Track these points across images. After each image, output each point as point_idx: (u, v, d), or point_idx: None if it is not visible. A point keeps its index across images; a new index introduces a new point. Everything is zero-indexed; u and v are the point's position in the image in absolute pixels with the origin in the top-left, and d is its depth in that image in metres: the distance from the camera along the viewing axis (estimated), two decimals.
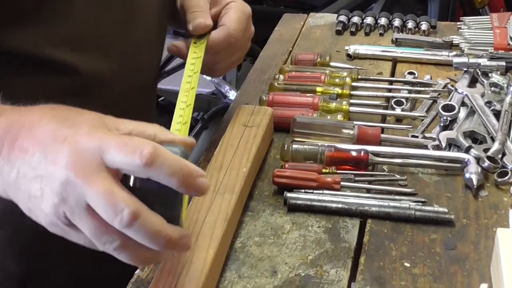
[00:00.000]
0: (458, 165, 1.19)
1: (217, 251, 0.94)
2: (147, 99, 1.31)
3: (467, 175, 1.16)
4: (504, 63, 1.45)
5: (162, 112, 2.45)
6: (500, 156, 1.20)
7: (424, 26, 1.75)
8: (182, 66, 3.17)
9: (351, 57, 1.63)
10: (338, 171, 1.18)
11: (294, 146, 1.21)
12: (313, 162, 1.19)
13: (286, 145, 1.21)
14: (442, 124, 1.32)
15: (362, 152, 1.19)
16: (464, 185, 1.17)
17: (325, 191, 1.13)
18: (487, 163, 1.18)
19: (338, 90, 1.41)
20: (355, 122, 1.29)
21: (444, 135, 1.26)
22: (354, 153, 1.20)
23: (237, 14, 1.21)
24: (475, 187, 1.14)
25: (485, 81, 1.42)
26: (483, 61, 1.46)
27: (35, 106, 0.85)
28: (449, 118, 1.31)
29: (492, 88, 1.39)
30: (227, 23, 1.20)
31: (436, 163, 1.21)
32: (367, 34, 1.76)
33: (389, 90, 1.47)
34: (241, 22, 1.21)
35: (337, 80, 1.45)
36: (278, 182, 1.15)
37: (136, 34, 1.19)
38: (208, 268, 0.91)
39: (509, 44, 1.61)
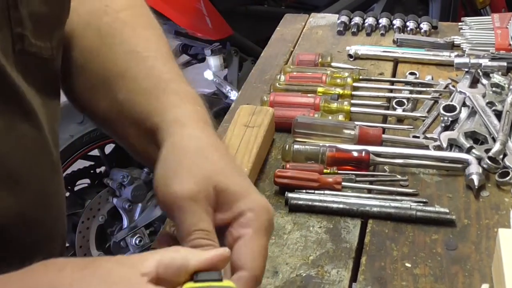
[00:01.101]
0: (459, 165, 1.19)
1: None
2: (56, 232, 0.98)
3: (468, 176, 1.16)
4: (505, 64, 1.45)
5: None
6: (501, 156, 1.20)
7: (425, 26, 1.75)
8: (185, 65, 3.17)
9: (352, 57, 1.62)
10: (339, 172, 1.18)
11: (295, 146, 1.21)
12: (314, 162, 1.19)
13: (287, 145, 1.21)
14: (443, 125, 1.32)
15: (364, 152, 1.19)
16: (465, 186, 1.17)
17: (326, 192, 1.13)
18: (488, 163, 1.18)
19: (339, 90, 1.41)
20: (356, 123, 1.29)
21: (445, 136, 1.26)
22: (355, 154, 1.20)
23: (260, 243, 0.79)
24: (476, 187, 1.14)
25: (486, 82, 1.42)
26: (485, 62, 1.46)
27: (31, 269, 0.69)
28: (450, 119, 1.31)
29: (493, 89, 1.38)
30: (248, 264, 0.77)
31: (437, 164, 1.21)
32: (368, 34, 1.76)
33: (391, 91, 1.47)
34: (265, 253, 0.80)
35: (338, 80, 1.45)
36: (280, 183, 1.15)
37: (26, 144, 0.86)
38: None
39: (510, 45, 1.61)
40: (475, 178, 1.14)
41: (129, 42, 0.97)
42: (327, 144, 1.22)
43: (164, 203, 0.80)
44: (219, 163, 0.82)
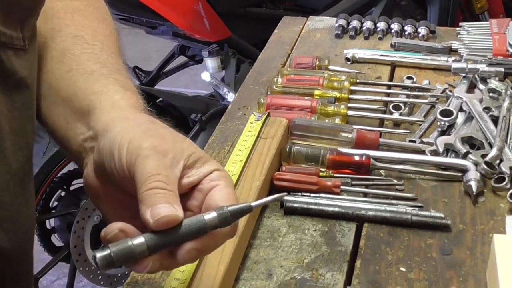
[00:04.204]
0: (459, 174, 1.19)
1: (228, 267, 0.92)
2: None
3: (466, 182, 1.15)
4: (502, 69, 1.45)
5: (160, 113, 2.43)
6: (497, 162, 1.20)
7: (423, 31, 1.75)
8: (180, 67, 3.17)
9: (349, 60, 1.62)
10: (335, 175, 1.18)
11: (296, 147, 1.20)
12: (314, 164, 1.19)
13: (288, 147, 1.20)
14: (440, 129, 1.32)
15: (364, 157, 1.19)
16: (461, 191, 1.17)
17: (322, 195, 1.13)
18: (485, 168, 1.18)
19: (336, 93, 1.41)
20: (353, 126, 1.28)
21: (442, 140, 1.26)
22: (356, 158, 1.19)
23: (232, 191, 0.80)
24: (474, 193, 1.14)
25: (484, 87, 1.42)
26: (482, 67, 1.46)
27: None
28: (447, 124, 1.31)
29: (490, 94, 1.39)
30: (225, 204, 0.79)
31: (437, 172, 1.20)
32: (366, 38, 1.76)
33: (388, 95, 1.47)
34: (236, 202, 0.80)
35: (335, 83, 1.45)
36: (279, 185, 1.15)
37: None
38: (218, 286, 0.89)
39: (508, 50, 1.61)
40: (473, 184, 1.14)
41: (77, 27, 0.95)
42: (328, 147, 1.21)
43: (122, 164, 0.77)
44: (178, 134, 0.82)
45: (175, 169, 0.78)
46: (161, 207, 0.73)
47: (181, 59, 3.12)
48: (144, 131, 0.80)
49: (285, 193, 0.84)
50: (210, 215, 0.75)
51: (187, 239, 0.74)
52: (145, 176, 0.75)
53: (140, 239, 0.72)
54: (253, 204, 0.78)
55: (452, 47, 1.67)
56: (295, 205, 1.11)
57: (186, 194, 0.79)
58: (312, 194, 1.13)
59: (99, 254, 0.71)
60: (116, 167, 0.78)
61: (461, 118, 1.34)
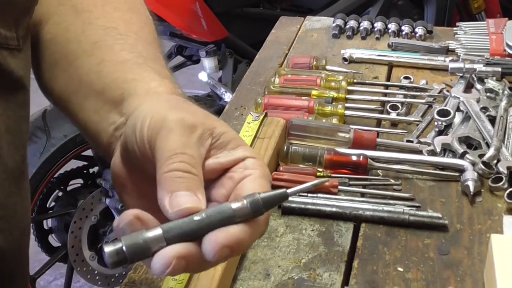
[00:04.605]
0: (457, 174, 1.19)
1: (226, 267, 0.91)
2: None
3: (464, 182, 1.16)
4: (500, 69, 1.45)
5: None
6: (494, 162, 1.20)
7: (420, 31, 1.75)
8: (180, 66, 3.17)
9: (347, 61, 1.62)
10: (332, 175, 1.18)
11: (294, 147, 1.20)
12: (312, 164, 1.19)
13: (285, 147, 1.20)
14: (437, 129, 1.32)
15: (361, 157, 1.19)
16: (459, 191, 1.17)
17: (319, 195, 1.13)
18: (482, 168, 1.18)
19: (333, 93, 1.41)
20: (350, 126, 1.28)
21: (439, 140, 1.26)
22: (354, 158, 1.19)
23: (266, 184, 0.72)
24: (471, 193, 1.14)
25: (481, 87, 1.42)
26: (479, 67, 1.46)
27: None
28: (444, 123, 1.31)
29: (488, 94, 1.39)
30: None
31: (434, 171, 1.20)
32: (363, 38, 1.76)
33: (385, 95, 1.47)
34: None
35: (332, 83, 1.45)
36: (276, 185, 1.14)
37: None
38: (215, 286, 0.88)
39: (505, 50, 1.61)
40: (470, 184, 1.14)
41: (109, 19, 0.90)
42: (325, 147, 1.21)
43: (143, 137, 0.70)
44: (211, 114, 0.75)
45: (202, 147, 0.70)
46: (182, 195, 0.65)
47: (178, 59, 3.12)
48: (173, 105, 0.73)
49: (326, 179, 0.74)
50: (239, 202, 0.66)
51: (212, 228, 0.64)
52: (167, 154, 0.67)
53: (157, 231, 0.63)
54: (289, 191, 0.69)
55: (449, 47, 1.67)
56: (293, 205, 1.11)
57: (213, 181, 0.72)
58: (309, 194, 1.13)
59: (108, 249, 0.61)
60: (137, 141, 0.71)
61: (458, 118, 1.34)
